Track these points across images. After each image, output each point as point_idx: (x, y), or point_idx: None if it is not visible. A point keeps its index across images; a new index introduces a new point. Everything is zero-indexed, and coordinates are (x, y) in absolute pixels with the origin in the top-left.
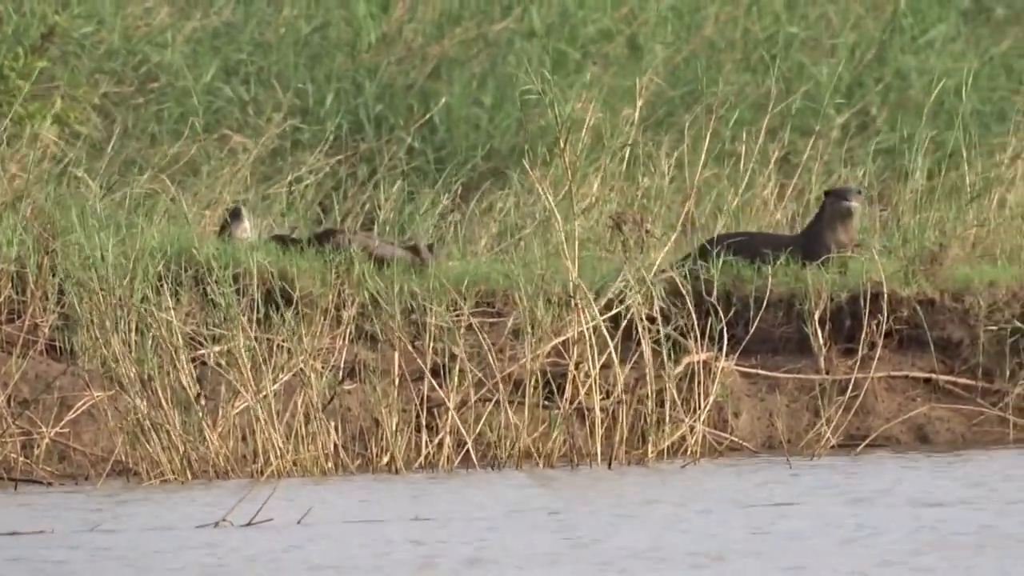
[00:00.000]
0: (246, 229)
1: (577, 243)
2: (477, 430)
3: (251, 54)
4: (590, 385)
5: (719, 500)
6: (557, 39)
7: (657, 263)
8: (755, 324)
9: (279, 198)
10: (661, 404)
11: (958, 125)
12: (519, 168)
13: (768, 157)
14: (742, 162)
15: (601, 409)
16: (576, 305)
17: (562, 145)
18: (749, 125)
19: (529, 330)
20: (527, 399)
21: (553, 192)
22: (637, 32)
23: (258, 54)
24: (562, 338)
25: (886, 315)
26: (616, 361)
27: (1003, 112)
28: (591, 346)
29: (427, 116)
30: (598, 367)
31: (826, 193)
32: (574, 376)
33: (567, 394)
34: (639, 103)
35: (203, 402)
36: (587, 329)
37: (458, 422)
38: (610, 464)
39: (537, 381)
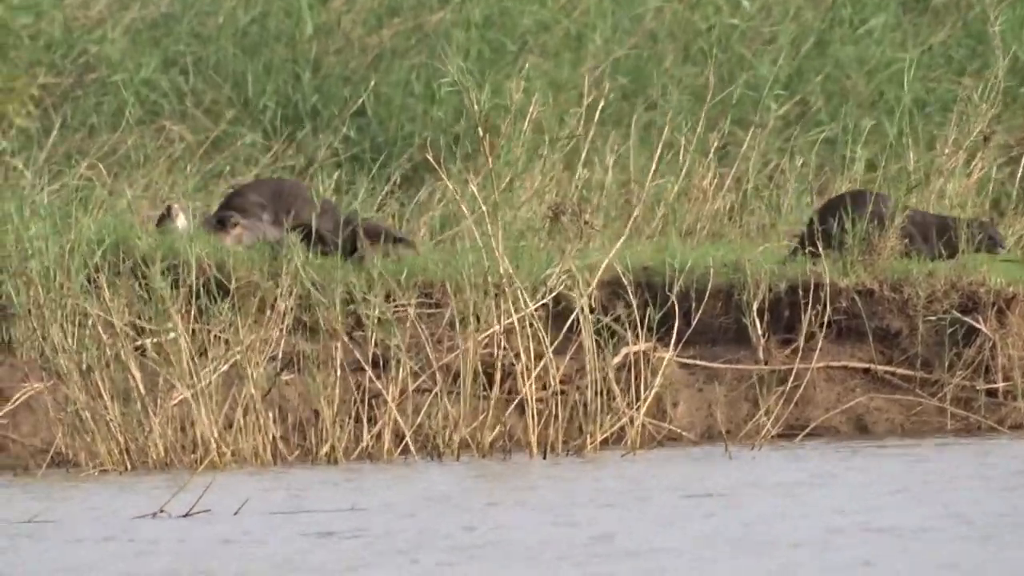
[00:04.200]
0: (178, 228)
1: (506, 235)
2: (417, 421)
3: (189, 45)
4: (525, 375)
5: (658, 491)
6: (495, 30)
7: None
8: (693, 314)
9: (218, 189)
10: (600, 394)
11: (898, 115)
12: (457, 159)
13: (707, 147)
14: (681, 153)
15: (538, 399)
16: (506, 295)
17: (482, 134)
18: (689, 115)
19: (465, 321)
20: (463, 389)
21: (494, 183)
22: (576, 23)
23: (197, 45)
24: (492, 329)
25: (825, 305)
26: (549, 351)
27: (943, 102)
28: (527, 336)
29: (358, 104)
30: (532, 357)
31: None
32: (505, 366)
33: (497, 384)
34: (586, 97)
35: (142, 393)
36: (516, 320)
37: (396, 413)
38: (545, 455)
39: (475, 371)
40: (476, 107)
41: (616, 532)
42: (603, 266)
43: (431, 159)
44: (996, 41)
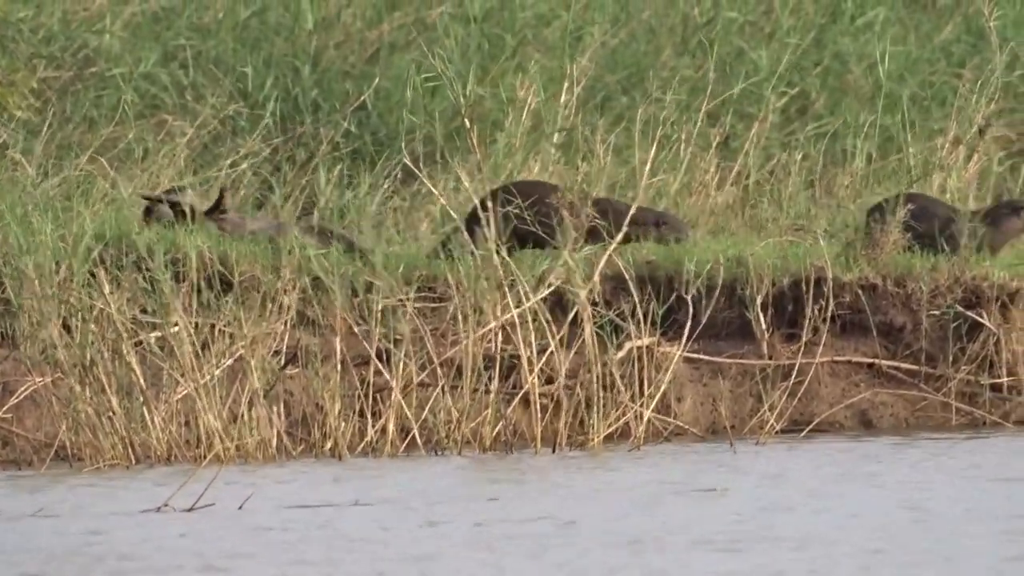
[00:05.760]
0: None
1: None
2: (422, 416)
3: (190, 39)
4: (530, 370)
5: (662, 485)
6: (494, 24)
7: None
8: (697, 309)
9: (218, 183)
10: (605, 389)
11: (898, 109)
12: (457, 153)
13: (708, 141)
14: (681, 147)
15: (541, 394)
16: (503, 289)
17: (468, 126)
18: (687, 109)
19: (467, 315)
20: (465, 384)
21: (483, 174)
22: (575, 16)
23: (196, 38)
24: (492, 325)
25: (828, 300)
26: (555, 345)
27: (943, 97)
28: (528, 330)
29: (360, 100)
30: (535, 351)
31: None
32: (504, 360)
33: (496, 379)
34: (575, 88)
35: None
36: (516, 314)
37: (399, 408)
38: (554, 449)
39: (477, 366)
40: (462, 99)
41: (618, 526)
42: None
43: (409, 163)
44: (992, 36)
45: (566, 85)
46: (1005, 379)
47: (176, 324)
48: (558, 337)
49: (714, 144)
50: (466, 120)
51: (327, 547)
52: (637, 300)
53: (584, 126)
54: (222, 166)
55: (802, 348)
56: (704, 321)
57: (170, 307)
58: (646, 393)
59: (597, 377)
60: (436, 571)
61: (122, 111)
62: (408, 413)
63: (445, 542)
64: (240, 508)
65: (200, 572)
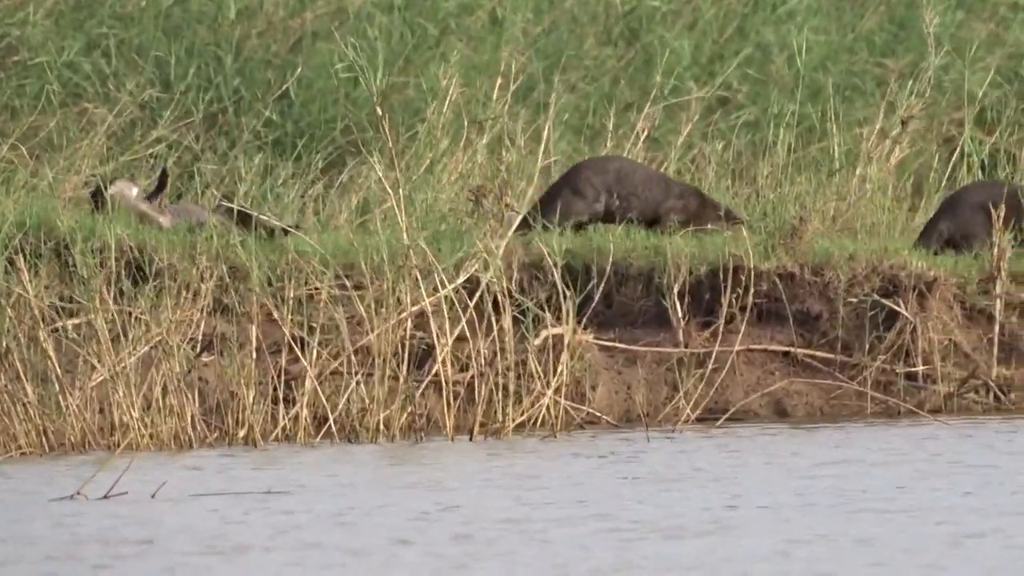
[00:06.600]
0: (131, 199)
1: (427, 218)
2: (341, 404)
3: (112, 27)
4: (444, 358)
5: (575, 472)
6: (417, 13)
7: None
8: (614, 296)
9: (139, 171)
10: (518, 377)
11: (819, 99)
12: (378, 142)
13: (632, 131)
14: (609, 137)
15: (455, 382)
16: (410, 279)
17: (380, 114)
18: (609, 99)
19: (381, 303)
20: (376, 372)
21: (396, 164)
22: (499, 6)
23: (119, 27)
24: (405, 313)
25: (745, 288)
26: (467, 333)
27: (865, 87)
28: (442, 318)
29: (283, 88)
30: (449, 339)
31: None
32: (416, 347)
33: (405, 366)
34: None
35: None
36: (428, 303)
37: (312, 395)
38: (471, 437)
39: (393, 354)
40: (373, 88)
41: (538, 512)
42: (502, 247)
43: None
44: (929, 39)
45: (499, 81)
46: (921, 368)
47: (95, 311)
48: (474, 325)
49: (643, 137)
50: (378, 108)
51: (240, 535)
52: (559, 288)
53: (507, 116)
54: (140, 151)
55: (718, 336)
56: (621, 309)
57: (91, 294)
58: (560, 381)
59: (511, 365)
60: (352, 559)
61: (44, 100)
62: (323, 401)
63: (360, 529)
64: (153, 496)
65: (113, 560)
